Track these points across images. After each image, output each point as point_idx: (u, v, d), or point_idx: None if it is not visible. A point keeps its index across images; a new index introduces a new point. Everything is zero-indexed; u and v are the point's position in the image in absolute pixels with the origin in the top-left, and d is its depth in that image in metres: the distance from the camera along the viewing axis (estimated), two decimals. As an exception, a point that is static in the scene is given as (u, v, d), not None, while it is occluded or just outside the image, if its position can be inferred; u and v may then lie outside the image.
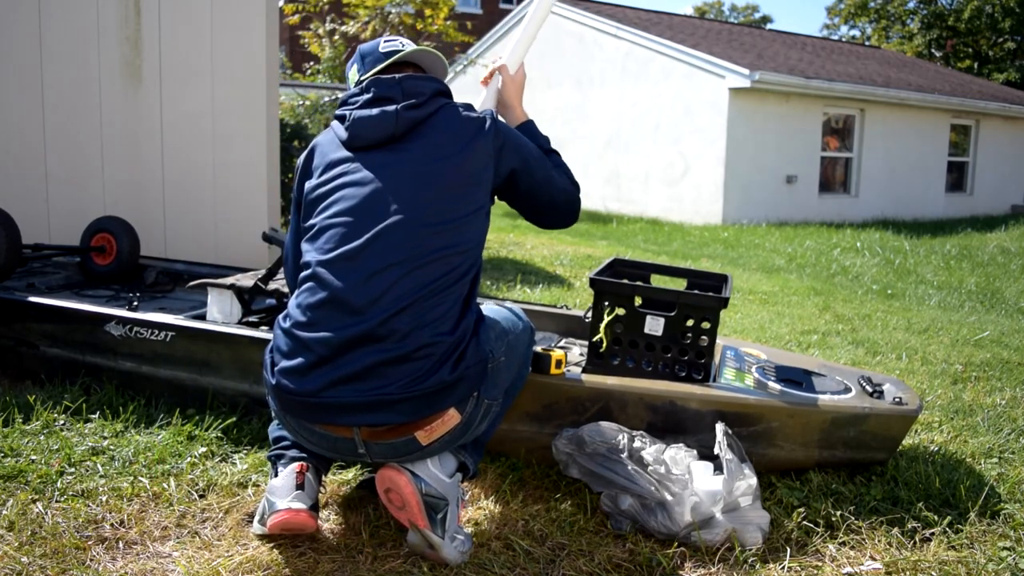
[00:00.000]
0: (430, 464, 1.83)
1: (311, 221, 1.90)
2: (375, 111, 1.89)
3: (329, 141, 1.98)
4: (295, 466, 1.89)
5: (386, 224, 1.79)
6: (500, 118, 2.07)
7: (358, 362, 1.72)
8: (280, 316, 1.88)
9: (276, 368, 1.81)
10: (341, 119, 1.95)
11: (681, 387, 2.24)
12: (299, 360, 1.76)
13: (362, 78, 2.02)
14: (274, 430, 2.06)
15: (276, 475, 1.93)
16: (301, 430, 1.83)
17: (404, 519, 1.83)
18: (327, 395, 1.73)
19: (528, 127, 2.28)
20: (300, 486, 1.86)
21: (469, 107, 1.99)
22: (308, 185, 1.95)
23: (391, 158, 1.87)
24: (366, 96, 1.93)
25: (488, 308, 2.06)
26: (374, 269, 1.76)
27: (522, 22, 2.48)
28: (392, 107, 1.89)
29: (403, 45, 2.07)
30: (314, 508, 1.87)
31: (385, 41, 2.07)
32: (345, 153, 1.92)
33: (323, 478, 2.05)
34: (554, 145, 2.32)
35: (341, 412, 1.73)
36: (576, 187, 2.17)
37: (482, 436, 2.03)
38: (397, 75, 1.95)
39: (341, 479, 2.25)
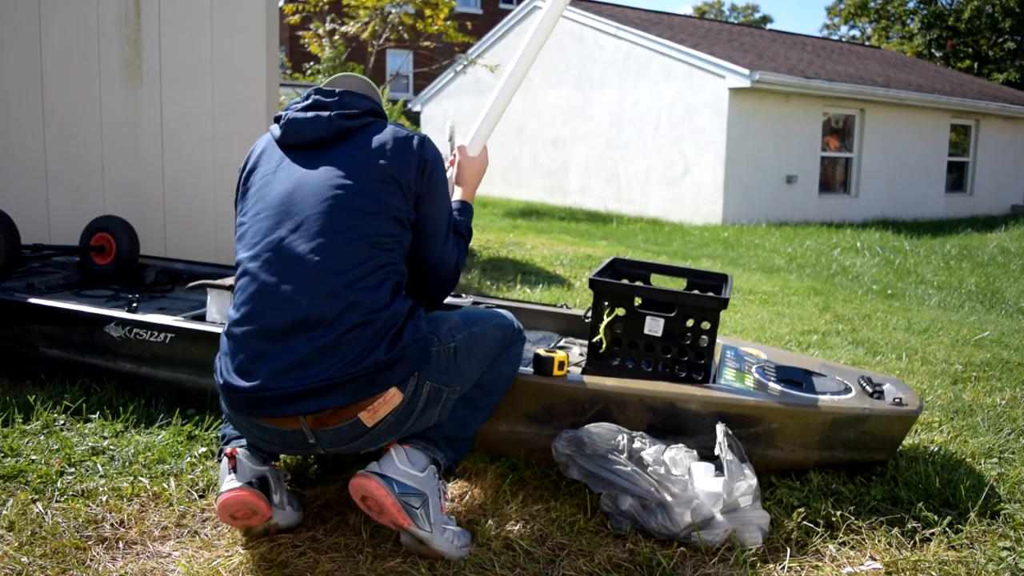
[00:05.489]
0: (398, 462, 1.85)
1: (241, 219, 1.97)
2: (310, 115, 1.96)
3: (266, 142, 2.06)
4: (226, 451, 1.92)
5: (309, 213, 1.84)
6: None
7: (295, 351, 1.75)
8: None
9: (222, 369, 1.85)
10: (278, 120, 2.03)
11: (681, 388, 2.24)
12: (240, 357, 1.80)
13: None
14: (221, 429, 2.11)
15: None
16: (252, 429, 1.85)
17: (387, 522, 1.84)
18: (270, 387, 1.75)
19: (464, 205, 2.30)
20: (233, 469, 1.89)
21: (401, 126, 2.04)
22: (244, 185, 2.03)
23: (318, 157, 1.94)
24: (305, 102, 2.01)
25: (462, 310, 2.10)
26: (298, 254, 1.81)
27: (486, 107, 2.52)
28: (325, 113, 1.96)
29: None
30: (256, 485, 1.87)
31: None
32: (277, 152, 1.99)
33: (274, 460, 2.04)
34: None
35: (285, 402, 1.76)
36: (456, 276, 2.15)
37: (459, 433, 2.04)
38: (337, 89, 2.03)
39: (340, 479, 2.25)
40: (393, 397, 1.80)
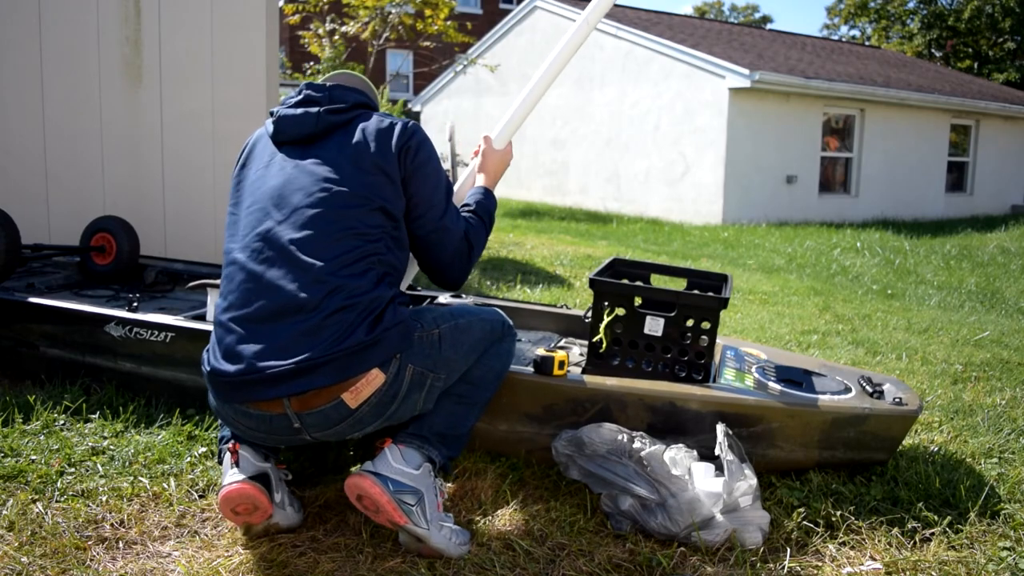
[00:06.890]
0: (392, 461, 1.87)
1: (232, 211, 2.04)
2: (299, 111, 2.03)
3: (259, 137, 2.13)
4: (228, 447, 1.94)
5: (297, 206, 1.90)
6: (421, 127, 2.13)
7: (279, 335, 1.79)
8: None
9: (209, 358, 1.88)
10: (272, 115, 2.09)
11: (681, 388, 2.24)
12: (226, 342, 1.83)
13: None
14: (219, 431, 2.13)
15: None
16: (239, 417, 1.86)
17: (384, 521, 1.84)
18: (254, 369, 1.78)
19: (486, 191, 2.36)
20: (235, 463, 1.91)
21: (388, 115, 2.08)
22: (238, 177, 2.09)
23: (308, 152, 2.00)
24: (296, 97, 2.08)
25: (451, 306, 2.14)
26: (284, 243, 1.85)
27: (515, 102, 2.57)
28: (315, 108, 2.02)
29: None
30: (259, 479, 1.89)
31: None
32: (270, 148, 2.06)
33: (276, 456, 2.05)
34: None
35: (269, 384, 1.77)
36: (471, 248, 2.17)
37: (451, 430, 2.03)
38: (328, 83, 2.11)
39: (340, 479, 2.25)
40: (375, 378, 1.82)
